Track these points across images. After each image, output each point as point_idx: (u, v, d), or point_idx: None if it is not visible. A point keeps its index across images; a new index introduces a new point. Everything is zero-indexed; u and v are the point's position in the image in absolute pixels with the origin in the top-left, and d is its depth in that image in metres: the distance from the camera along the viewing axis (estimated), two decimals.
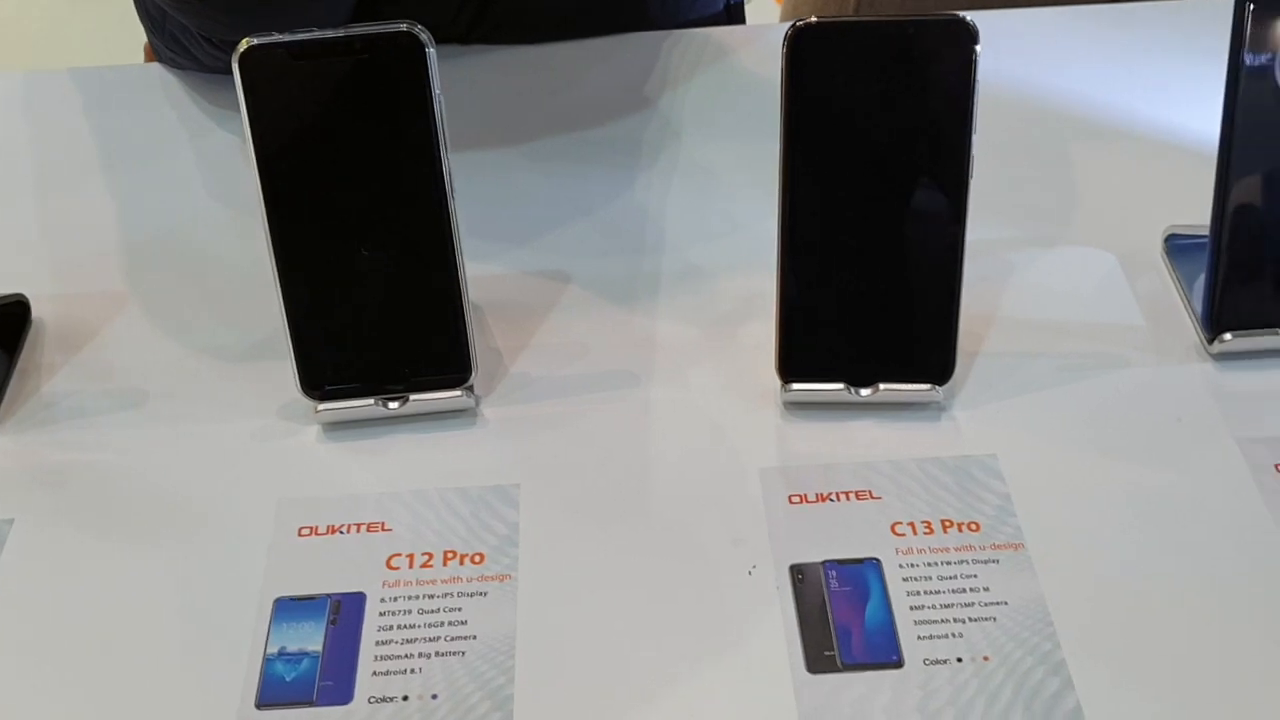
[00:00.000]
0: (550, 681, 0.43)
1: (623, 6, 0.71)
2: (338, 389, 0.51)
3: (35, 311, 0.57)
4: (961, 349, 0.51)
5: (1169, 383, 0.52)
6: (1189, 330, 0.54)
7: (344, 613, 0.46)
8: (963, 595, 0.45)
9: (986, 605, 0.45)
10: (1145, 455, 0.50)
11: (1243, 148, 0.50)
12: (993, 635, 0.44)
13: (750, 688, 0.43)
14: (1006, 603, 0.45)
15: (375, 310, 0.51)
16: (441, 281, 0.50)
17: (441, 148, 0.48)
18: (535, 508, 0.49)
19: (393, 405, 0.51)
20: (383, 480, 0.50)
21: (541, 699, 0.43)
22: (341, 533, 0.48)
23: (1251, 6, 0.48)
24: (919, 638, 0.44)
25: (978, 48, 0.47)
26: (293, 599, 0.46)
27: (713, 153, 0.65)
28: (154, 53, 0.72)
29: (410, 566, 0.47)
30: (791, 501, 0.49)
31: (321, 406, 0.51)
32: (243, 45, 0.47)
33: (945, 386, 0.51)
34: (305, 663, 0.44)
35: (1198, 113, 0.62)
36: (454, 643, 0.44)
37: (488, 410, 0.53)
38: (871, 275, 0.50)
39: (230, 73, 0.47)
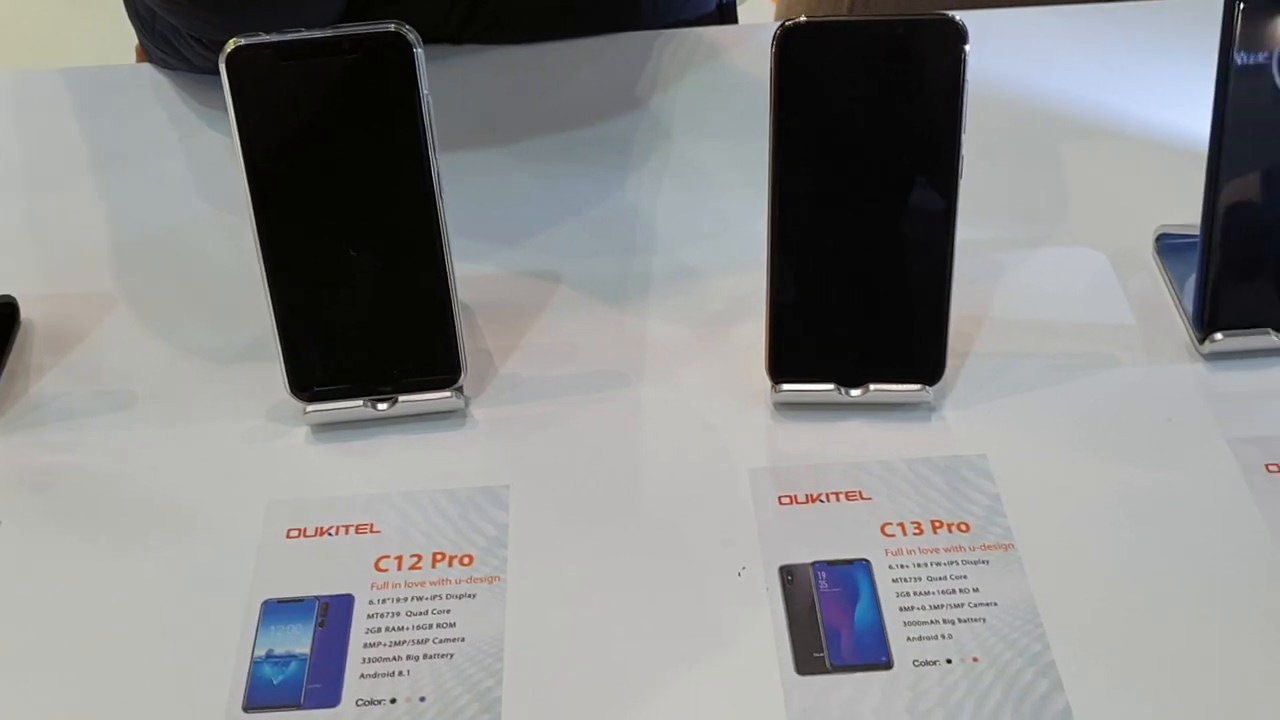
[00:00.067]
0: (538, 684, 0.43)
1: (614, 6, 0.71)
2: (327, 390, 0.51)
3: (24, 312, 0.57)
4: (952, 349, 0.51)
5: (1160, 383, 0.52)
6: (1180, 330, 0.54)
7: (332, 615, 0.45)
8: (952, 596, 0.45)
9: (976, 606, 0.45)
10: (1136, 455, 0.50)
11: (1233, 147, 0.50)
12: (982, 636, 0.44)
13: (739, 689, 0.43)
14: (996, 604, 0.45)
15: (364, 311, 0.51)
16: (430, 282, 0.50)
17: (430, 148, 0.48)
18: (524, 509, 0.49)
19: (381, 406, 0.51)
20: (371, 482, 0.50)
21: (530, 701, 0.43)
22: (330, 535, 0.48)
23: (1241, 6, 0.48)
24: (908, 639, 0.44)
25: (967, 47, 0.47)
26: (281, 601, 0.46)
27: (704, 152, 0.65)
28: (145, 54, 0.72)
29: (399, 568, 0.47)
30: (781, 502, 0.49)
31: (310, 408, 0.51)
32: (230, 46, 0.47)
33: (935, 387, 0.51)
34: (293, 665, 0.44)
35: (1189, 112, 0.62)
36: (442, 645, 0.44)
37: (477, 411, 0.52)
38: (861, 275, 0.50)
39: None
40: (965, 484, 0.49)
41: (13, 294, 0.57)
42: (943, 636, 0.44)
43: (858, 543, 0.47)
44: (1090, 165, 0.63)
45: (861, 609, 0.45)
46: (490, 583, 0.46)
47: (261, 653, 0.44)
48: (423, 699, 0.43)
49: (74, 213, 0.63)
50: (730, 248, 0.59)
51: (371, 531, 0.48)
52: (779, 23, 0.47)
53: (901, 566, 0.46)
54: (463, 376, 0.51)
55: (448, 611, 0.45)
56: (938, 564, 0.46)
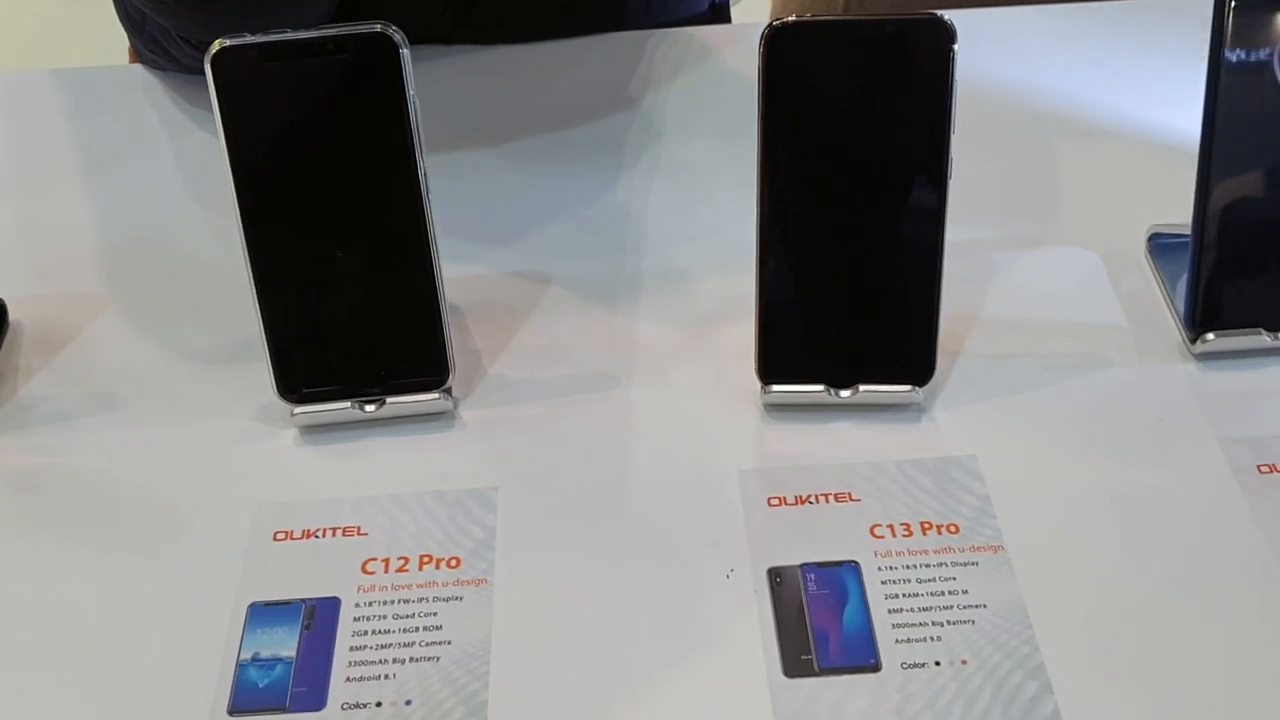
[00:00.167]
0: (525, 687, 0.43)
1: (606, 6, 0.71)
2: (314, 392, 0.51)
3: (13, 314, 0.57)
4: (942, 349, 0.51)
5: (1151, 383, 0.52)
6: (1172, 330, 0.54)
7: (318, 618, 0.45)
8: (941, 598, 0.45)
9: (965, 608, 0.45)
10: (1127, 456, 0.49)
11: (1224, 146, 0.50)
12: (971, 638, 0.44)
13: (726, 692, 0.43)
14: (985, 605, 0.45)
15: (351, 312, 0.51)
16: (418, 283, 0.50)
17: (417, 149, 0.48)
18: (513, 511, 0.48)
19: (369, 408, 0.51)
20: (359, 484, 0.50)
21: (516, 705, 0.43)
22: (317, 537, 0.48)
23: (1232, 4, 0.48)
24: (897, 641, 0.44)
25: (955, 46, 0.46)
26: (267, 604, 0.46)
27: (696, 152, 0.65)
28: (136, 54, 0.72)
29: (386, 571, 0.47)
30: (770, 504, 0.48)
31: (298, 409, 0.51)
32: (215, 46, 0.46)
33: (926, 388, 0.51)
34: (279, 669, 0.44)
35: (1182, 111, 0.62)
36: (429, 648, 0.44)
37: (466, 413, 0.52)
38: (851, 276, 0.50)
39: None
40: (955, 485, 0.49)
41: (2, 296, 0.57)
42: (931, 639, 0.44)
43: (846, 544, 0.47)
44: (1082, 164, 0.62)
45: (850, 611, 0.45)
46: (477, 585, 0.46)
47: (247, 656, 0.44)
48: (408, 702, 0.43)
49: (63, 214, 0.63)
50: (722, 248, 0.59)
51: (359, 534, 0.48)
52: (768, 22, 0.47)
53: (890, 568, 0.46)
54: (451, 378, 0.51)
55: (434, 614, 0.45)
56: (927, 565, 0.46)
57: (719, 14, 0.79)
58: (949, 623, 0.44)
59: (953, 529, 0.47)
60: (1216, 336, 0.52)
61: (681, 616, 0.45)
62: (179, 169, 0.65)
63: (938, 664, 0.43)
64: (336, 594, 0.46)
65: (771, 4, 0.97)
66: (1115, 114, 0.65)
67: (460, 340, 0.54)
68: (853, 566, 0.46)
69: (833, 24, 0.47)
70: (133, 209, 0.63)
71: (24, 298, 0.58)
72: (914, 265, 0.49)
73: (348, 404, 0.51)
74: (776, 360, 0.51)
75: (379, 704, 0.43)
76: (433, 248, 0.49)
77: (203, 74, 0.47)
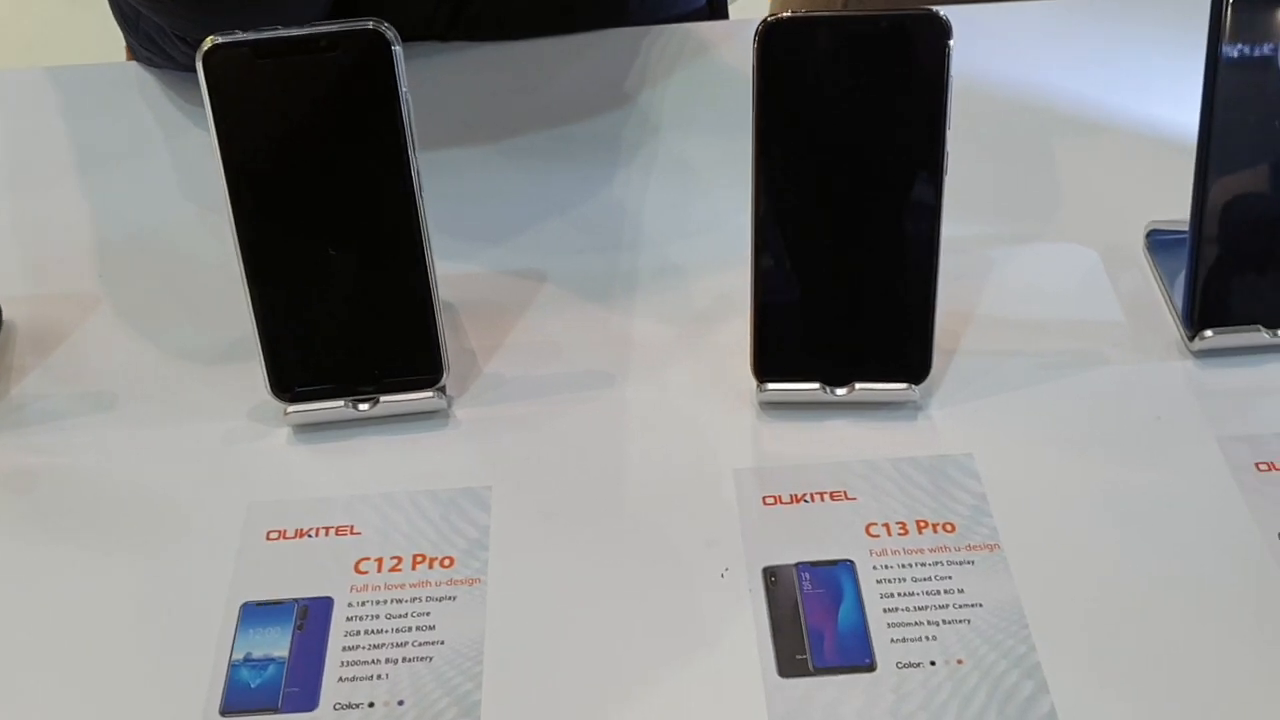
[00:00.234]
0: (518, 687, 0.43)
1: (603, 2, 0.71)
2: (308, 390, 0.51)
3: (7, 313, 0.57)
4: (939, 347, 0.50)
5: (1149, 380, 0.52)
6: (1170, 327, 0.54)
7: (311, 618, 0.45)
8: (937, 597, 0.45)
9: (961, 607, 0.44)
10: (1124, 454, 0.49)
11: (1221, 142, 0.50)
12: (967, 638, 0.44)
13: (721, 692, 0.42)
14: (981, 605, 0.45)
15: (345, 311, 0.50)
16: (411, 281, 0.49)
17: (410, 146, 0.48)
18: (506, 510, 0.48)
19: (363, 407, 0.51)
20: (352, 483, 0.50)
21: (509, 705, 0.42)
22: (310, 536, 0.48)
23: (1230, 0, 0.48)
24: (892, 640, 0.44)
25: (951, 42, 0.46)
26: (260, 604, 0.46)
27: (692, 149, 0.64)
28: (131, 51, 0.72)
29: (379, 570, 0.46)
30: (766, 503, 0.48)
31: (291, 408, 0.51)
32: (207, 44, 0.46)
33: (922, 385, 0.50)
34: (271, 669, 0.44)
35: (1181, 106, 0.62)
36: (421, 648, 0.44)
37: (460, 411, 0.52)
38: (846, 273, 0.50)
39: None
40: (951, 483, 0.48)
41: None
42: (927, 638, 0.44)
43: (842, 543, 0.47)
44: (1080, 160, 0.62)
45: (845, 610, 0.45)
46: (471, 585, 0.46)
47: (239, 656, 0.44)
48: (401, 702, 0.43)
49: (57, 212, 0.63)
50: (718, 244, 0.59)
51: (352, 533, 0.48)
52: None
53: (886, 567, 0.46)
54: (445, 376, 0.51)
55: (427, 614, 0.45)
56: (922, 564, 0.46)
57: (716, 10, 0.79)
58: (944, 622, 0.44)
59: (949, 528, 0.47)
60: (1215, 333, 0.52)
61: (676, 616, 0.45)
62: (174, 167, 0.65)
63: (933, 663, 0.43)
64: (329, 594, 0.46)
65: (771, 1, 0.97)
66: (1113, 109, 0.65)
67: (454, 338, 0.54)
68: (848, 565, 0.46)
69: (827, 20, 0.47)
70: (128, 207, 0.63)
71: (18, 297, 0.58)
72: (910, 262, 0.49)
73: (341, 403, 0.51)
74: (772, 358, 0.51)
75: (371, 704, 0.43)
76: (426, 246, 0.49)
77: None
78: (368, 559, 0.47)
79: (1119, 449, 0.49)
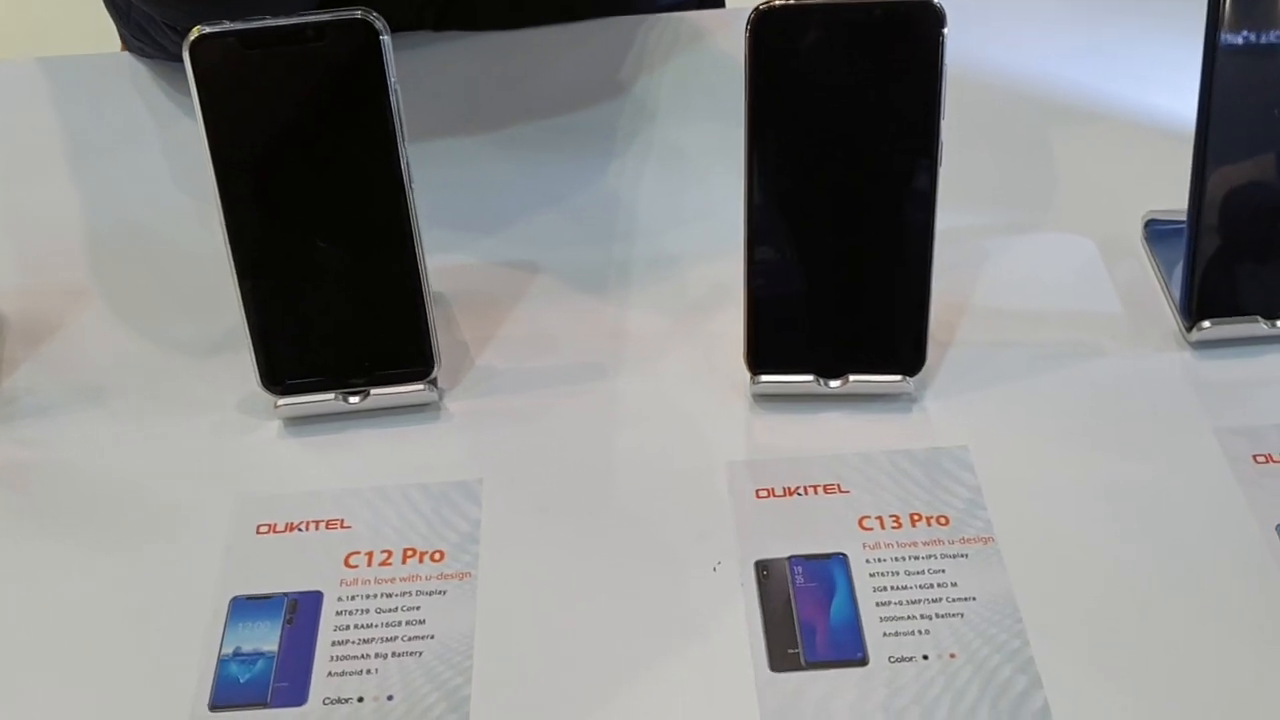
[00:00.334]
0: (508, 682, 0.43)
1: (604, 2, 0.70)
2: (299, 383, 0.50)
3: None
4: (934, 339, 0.50)
5: (1146, 372, 0.51)
6: (1168, 318, 0.53)
7: (300, 612, 0.45)
8: (930, 591, 0.44)
9: (954, 601, 0.44)
10: (1120, 446, 0.49)
11: (1220, 130, 0.49)
12: (960, 632, 0.43)
13: (712, 687, 0.42)
14: (975, 598, 0.44)
15: (335, 303, 0.50)
16: (401, 273, 0.49)
17: (399, 137, 0.47)
18: (498, 503, 0.48)
19: (354, 399, 0.50)
20: (343, 476, 0.49)
21: (499, 700, 0.42)
22: (300, 530, 0.47)
23: None
24: (885, 634, 0.43)
25: (945, 30, 0.45)
26: (249, 598, 0.45)
27: (688, 137, 0.64)
28: (123, 42, 0.71)
29: (369, 565, 0.46)
30: (759, 495, 0.48)
31: (281, 401, 0.50)
32: (193, 34, 0.46)
33: (916, 377, 0.50)
34: (260, 663, 0.44)
35: (1179, 95, 0.61)
36: (411, 643, 0.44)
37: (452, 404, 0.52)
38: (840, 264, 0.49)
39: None
40: (945, 476, 0.48)
41: None
42: (920, 632, 0.43)
43: (835, 536, 0.46)
44: (1077, 149, 0.61)
45: (838, 604, 0.44)
46: (461, 579, 0.45)
47: (229, 650, 0.44)
48: (390, 698, 0.42)
49: (48, 204, 0.62)
50: (714, 234, 0.58)
51: (342, 527, 0.47)
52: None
53: (879, 560, 0.45)
54: (436, 369, 0.51)
55: (417, 608, 0.45)
56: (916, 558, 0.45)
57: None
58: (937, 616, 0.44)
59: (942, 521, 0.47)
60: (1213, 324, 0.51)
61: (667, 610, 0.44)
62: (166, 158, 0.65)
63: (925, 658, 0.43)
64: (319, 588, 0.46)
65: None
66: (1111, 98, 0.64)
67: (446, 330, 0.54)
68: (841, 559, 0.46)
69: (820, 8, 0.47)
70: (120, 199, 0.62)
71: (8, 289, 0.57)
72: (905, 253, 0.49)
73: (331, 395, 0.50)
74: (765, 350, 0.50)
75: (360, 699, 0.42)
76: (416, 237, 0.49)
77: None
78: (358, 553, 0.46)
79: (1115, 441, 0.49)
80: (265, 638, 0.44)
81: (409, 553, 0.46)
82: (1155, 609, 0.44)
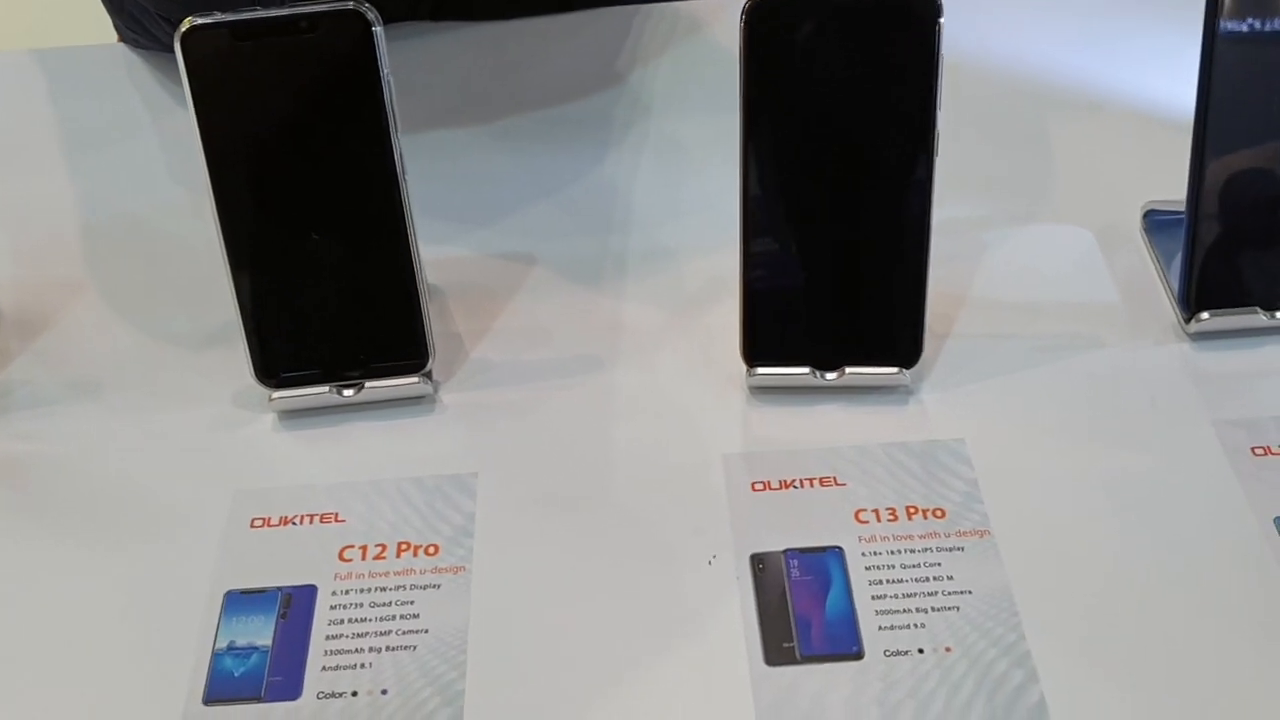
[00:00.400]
0: (502, 676, 0.43)
1: None
2: (293, 376, 0.50)
3: None
4: (931, 331, 0.50)
5: (1144, 364, 0.51)
6: (1167, 309, 0.53)
7: (295, 606, 0.45)
8: (926, 584, 0.44)
9: (950, 594, 0.44)
10: (1118, 439, 0.48)
11: (1219, 119, 0.49)
12: (956, 626, 0.43)
13: (706, 681, 0.42)
14: (971, 592, 0.44)
15: (329, 296, 0.50)
16: (395, 265, 0.49)
17: (392, 128, 0.47)
18: (493, 497, 0.48)
19: (348, 393, 0.50)
20: (337, 470, 0.49)
21: (493, 694, 0.42)
22: (294, 524, 0.47)
23: None
24: (880, 628, 0.43)
25: (941, 20, 0.45)
26: (243, 592, 0.45)
27: (684, 128, 0.64)
28: (118, 33, 0.71)
29: (363, 558, 0.46)
30: (754, 488, 0.48)
31: (276, 394, 0.50)
32: (184, 25, 0.45)
33: (913, 370, 0.50)
34: (254, 657, 0.43)
35: (1179, 83, 0.60)
36: (405, 636, 0.44)
37: (446, 397, 0.51)
38: (836, 256, 0.49)
39: None
40: (942, 469, 0.48)
41: None
42: (915, 626, 0.43)
43: (831, 529, 0.46)
44: (1075, 139, 0.61)
45: (833, 598, 0.44)
46: (455, 573, 0.45)
47: (223, 644, 0.44)
48: (384, 692, 0.42)
49: (43, 196, 0.62)
50: (710, 225, 0.58)
51: (336, 520, 0.47)
52: None
53: (875, 554, 0.45)
54: (431, 361, 0.50)
55: (411, 602, 0.44)
56: (912, 551, 0.45)
57: None
58: (933, 609, 0.44)
59: (939, 513, 0.46)
60: (1212, 316, 0.51)
61: (662, 604, 0.44)
62: (162, 150, 0.64)
63: (921, 652, 0.42)
64: (313, 582, 0.45)
65: None
66: (1109, 86, 0.64)
67: (441, 323, 0.54)
68: (836, 552, 0.45)
69: None
70: (115, 191, 0.62)
71: (3, 282, 0.57)
72: (901, 245, 0.48)
73: (326, 388, 0.50)
74: (761, 342, 0.50)
75: (355, 693, 0.42)
76: (410, 229, 0.48)
77: None
78: (352, 546, 0.46)
79: (1113, 433, 0.49)
80: (259, 632, 0.44)
81: (403, 546, 0.46)
82: (1152, 602, 0.43)
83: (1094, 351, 0.51)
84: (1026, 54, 0.66)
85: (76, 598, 0.46)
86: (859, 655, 0.43)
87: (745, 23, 0.46)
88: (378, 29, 0.46)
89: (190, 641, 0.44)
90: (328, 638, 0.44)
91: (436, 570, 0.45)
